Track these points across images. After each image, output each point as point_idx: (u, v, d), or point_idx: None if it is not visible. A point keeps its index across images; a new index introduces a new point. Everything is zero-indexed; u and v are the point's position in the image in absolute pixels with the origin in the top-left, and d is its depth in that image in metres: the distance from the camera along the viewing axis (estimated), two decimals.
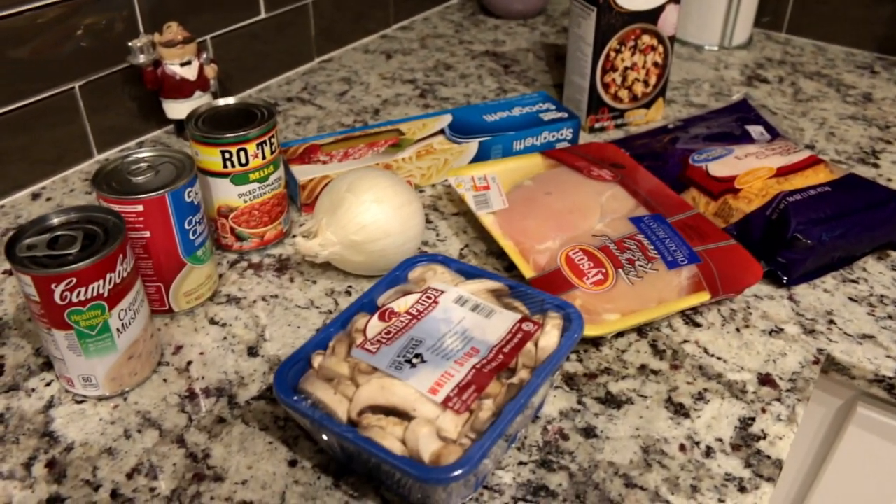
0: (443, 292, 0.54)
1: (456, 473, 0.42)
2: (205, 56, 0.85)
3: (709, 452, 0.53)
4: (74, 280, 0.51)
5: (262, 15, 0.98)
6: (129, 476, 0.51)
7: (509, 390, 0.47)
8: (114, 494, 0.50)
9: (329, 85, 1.03)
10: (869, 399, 0.68)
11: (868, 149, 0.89)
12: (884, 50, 1.13)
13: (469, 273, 0.57)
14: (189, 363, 0.60)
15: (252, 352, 0.61)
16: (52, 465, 0.52)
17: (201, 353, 0.61)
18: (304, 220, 0.76)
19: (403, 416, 0.46)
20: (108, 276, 0.52)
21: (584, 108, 0.91)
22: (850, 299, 0.67)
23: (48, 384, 0.58)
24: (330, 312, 0.65)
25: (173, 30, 0.82)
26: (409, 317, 0.52)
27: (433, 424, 0.45)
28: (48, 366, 0.60)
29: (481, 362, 0.48)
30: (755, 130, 0.86)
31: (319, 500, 0.50)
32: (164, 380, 0.59)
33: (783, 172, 0.73)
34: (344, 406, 0.47)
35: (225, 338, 0.62)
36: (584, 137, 0.91)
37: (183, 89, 0.84)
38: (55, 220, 0.55)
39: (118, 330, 0.55)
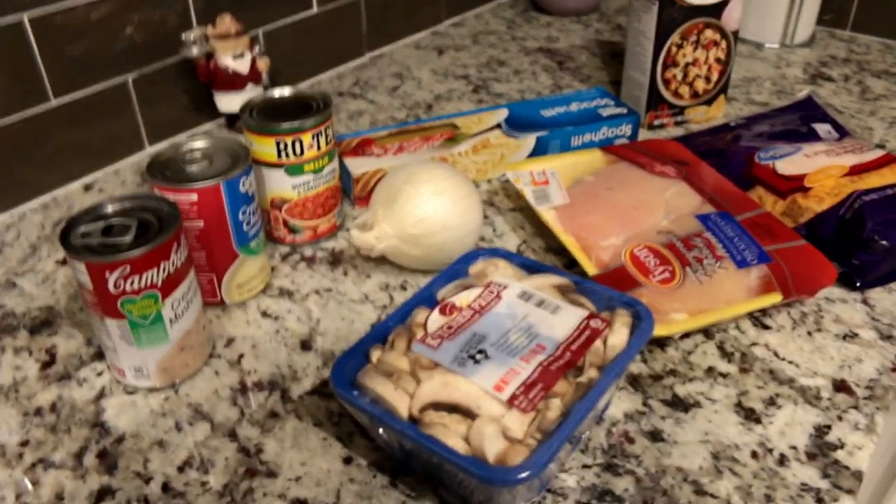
0: (506, 287, 0.52)
1: (523, 475, 0.40)
2: (257, 49, 0.84)
3: (783, 461, 0.50)
4: (128, 268, 0.50)
5: (314, 10, 0.97)
6: (181, 469, 0.50)
7: (577, 390, 0.45)
8: (165, 487, 0.49)
9: (380, 80, 1.02)
10: None
11: None
12: None
13: (532, 268, 0.55)
14: (241, 356, 0.59)
15: (305, 346, 0.59)
16: (103, 456, 0.51)
17: (253, 346, 0.59)
18: (357, 214, 0.75)
19: (467, 413, 0.44)
20: (162, 264, 0.51)
21: (643, 104, 0.88)
22: None
23: (99, 374, 0.57)
24: (385, 307, 0.63)
25: (226, 22, 0.82)
26: (472, 311, 0.50)
27: (498, 423, 0.43)
28: (100, 356, 0.59)
29: (548, 359, 0.46)
30: (822, 129, 0.83)
31: (375, 500, 0.48)
32: (216, 372, 0.57)
33: (857, 171, 0.70)
34: (405, 402, 0.45)
35: (277, 331, 0.61)
36: (643, 135, 0.88)
37: (235, 82, 0.83)
38: (109, 209, 0.54)
39: (171, 320, 0.53)
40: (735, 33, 0.86)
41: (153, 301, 0.52)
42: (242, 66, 0.83)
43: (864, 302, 0.64)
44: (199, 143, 0.61)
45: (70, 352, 0.60)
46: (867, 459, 0.51)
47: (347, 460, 0.50)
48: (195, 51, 0.81)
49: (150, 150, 0.86)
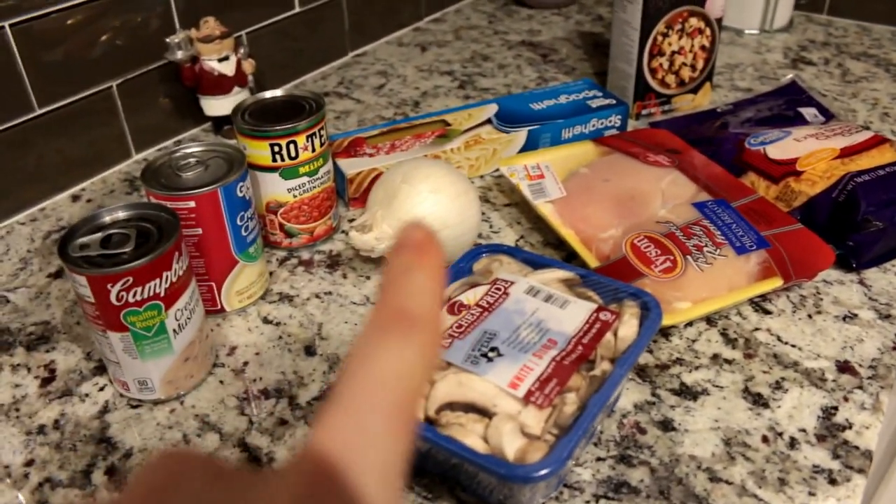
0: (513, 283, 0.51)
1: (544, 472, 0.40)
2: (242, 51, 0.83)
3: (793, 444, 0.51)
4: (131, 279, 0.49)
5: (296, 9, 0.96)
6: None
7: (592, 383, 0.45)
8: None
9: (365, 79, 1.01)
10: None
11: None
12: None
13: (536, 263, 0.54)
14: (245, 364, 0.58)
15: (309, 350, 0.59)
16: (111, 472, 0.50)
17: (257, 354, 0.59)
18: (352, 216, 0.74)
19: (483, 412, 0.44)
20: (164, 274, 0.50)
21: (631, 94, 0.88)
22: None
23: (101, 389, 0.57)
24: None
25: (210, 25, 0.81)
26: (480, 309, 0.50)
27: (516, 420, 0.43)
28: (100, 370, 0.58)
29: (560, 354, 0.46)
30: (808, 112, 0.84)
31: None
32: (221, 382, 0.57)
33: (847, 153, 0.70)
34: (420, 403, 0.44)
35: (280, 337, 0.60)
36: (632, 125, 0.89)
37: (221, 85, 0.82)
38: (107, 219, 0.53)
39: (174, 331, 0.53)
40: (719, 20, 0.87)
41: (156, 312, 0.51)
42: (228, 69, 0.82)
43: (861, 283, 0.64)
44: (194, 149, 0.61)
45: (69, 367, 0.59)
46: (875, 438, 0.52)
47: None
48: (180, 54, 0.80)
49: (137, 157, 0.85)
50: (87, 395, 0.56)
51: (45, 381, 0.58)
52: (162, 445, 0.52)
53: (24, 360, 0.59)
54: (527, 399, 0.43)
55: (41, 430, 0.54)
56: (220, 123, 0.87)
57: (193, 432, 0.53)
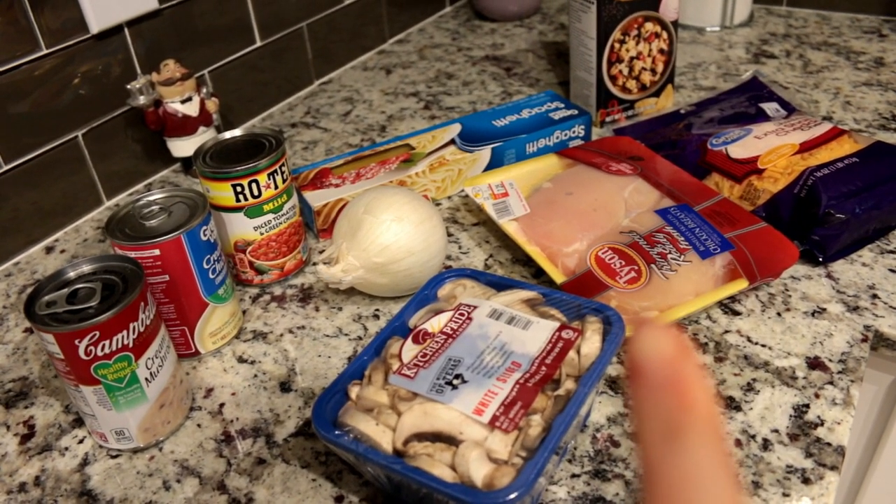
0: (475, 307, 0.52)
1: (512, 496, 0.40)
2: (205, 90, 0.84)
3: (766, 445, 0.51)
4: (98, 333, 0.49)
5: (258, 43, 0.97)
6: None
7: (556, 403, 0.45)
8: None
9: (332, 106, 1.02)
10: None
11: (887, 114, 0.87)
12: (890, 12, 1.11)
13: (500, 284, 0.55)
14: (221, 405, 0.58)
15: (285, 387, 0.59)
16: None
17: (233, 394, 0.59)
18: (322, 247, 0.75)
19: (450, 440, 0.44)
20: (131, 325, 0.51)
21: (593, 102, 0.89)
22: (891, 271, 0.65)
23: (81, 441, 0.57)
24: (359, 338, 0.63)
25: (171, 67, 0.81)
26: (444, 336, 0.50)
27: (482, 446, 0.43)
28: (79, 422, 0.59)
29: (524, 376, 0.46)
30: (770, 108, 0.84)
31: None
32: (198, 425, 0.57)
33: (807, 147, 0.71)
34: (388, 436, 0.45)
35: (255, 375, 0.61)
36: (597, 133, 0.89)
37: (186, 126, 0.82)
38: (72, 274, 0.54)
39: (147, 379, 0.53)
40: (675, 23, 0.87)
41: (127, 363, 0.52)
42: (191, 110, 0.82)
43: (829, 276, 0.65)
44: (156, 196, 0.61)
45: (49, 421, 0.59)
46: (847, 434, 0.52)
47: (339, 499, 0.50)
48: (142, 100, 0.81)
49: (109, 203, 0.85)
50: (66, 448, 0.57)
51: (25, 438, 0.58)
52: (143, 494, 0.52)
53: (3, 418, 0.60)
54: (492, 424, 0.44)
55: (22, 488, 0.54)
56: (189, 164, 0.88)
57: (173, 478, 0.53)
